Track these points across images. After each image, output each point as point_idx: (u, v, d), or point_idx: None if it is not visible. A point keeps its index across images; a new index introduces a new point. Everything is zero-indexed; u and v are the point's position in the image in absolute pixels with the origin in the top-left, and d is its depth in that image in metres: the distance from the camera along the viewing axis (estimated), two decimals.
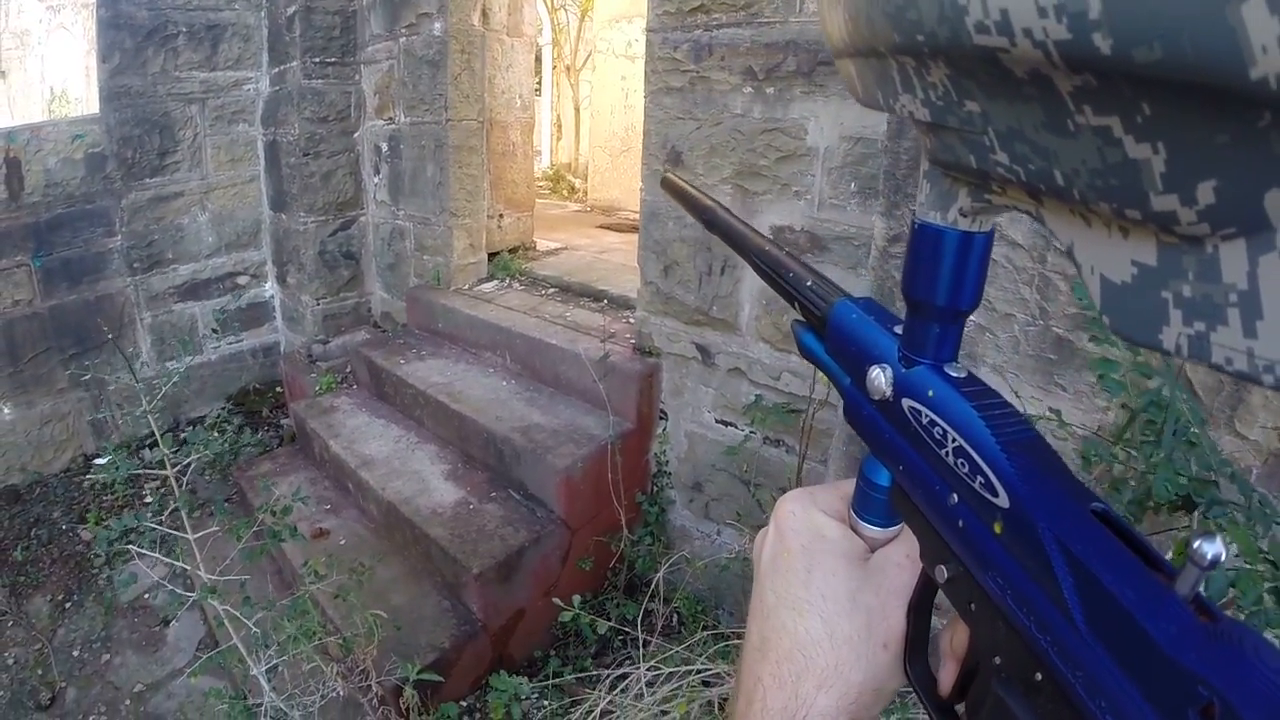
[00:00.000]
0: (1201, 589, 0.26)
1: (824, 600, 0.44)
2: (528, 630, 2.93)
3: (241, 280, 4.66)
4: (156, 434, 2.04)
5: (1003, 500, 0.33)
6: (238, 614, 1.91)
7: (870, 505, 0.46)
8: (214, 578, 1.96)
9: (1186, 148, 0.21)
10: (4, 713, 2.92)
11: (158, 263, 4.23)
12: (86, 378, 3.95)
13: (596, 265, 4.59)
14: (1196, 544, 0.25)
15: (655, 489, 3.31)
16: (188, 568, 2.08)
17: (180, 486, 2.03)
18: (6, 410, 3.86)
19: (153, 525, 1.98)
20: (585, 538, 3.03)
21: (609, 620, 3.13)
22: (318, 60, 4.04)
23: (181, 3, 3.97)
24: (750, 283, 2.68)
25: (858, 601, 0.43)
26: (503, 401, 3.26)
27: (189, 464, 2.05)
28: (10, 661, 3.16)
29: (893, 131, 1.82)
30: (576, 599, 2.46)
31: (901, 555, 0.45)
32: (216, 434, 2.38)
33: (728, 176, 2.62)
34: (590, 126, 7.80)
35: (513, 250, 4.67)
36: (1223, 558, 0.25)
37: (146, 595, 3.36)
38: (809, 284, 0.50)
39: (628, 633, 3.14)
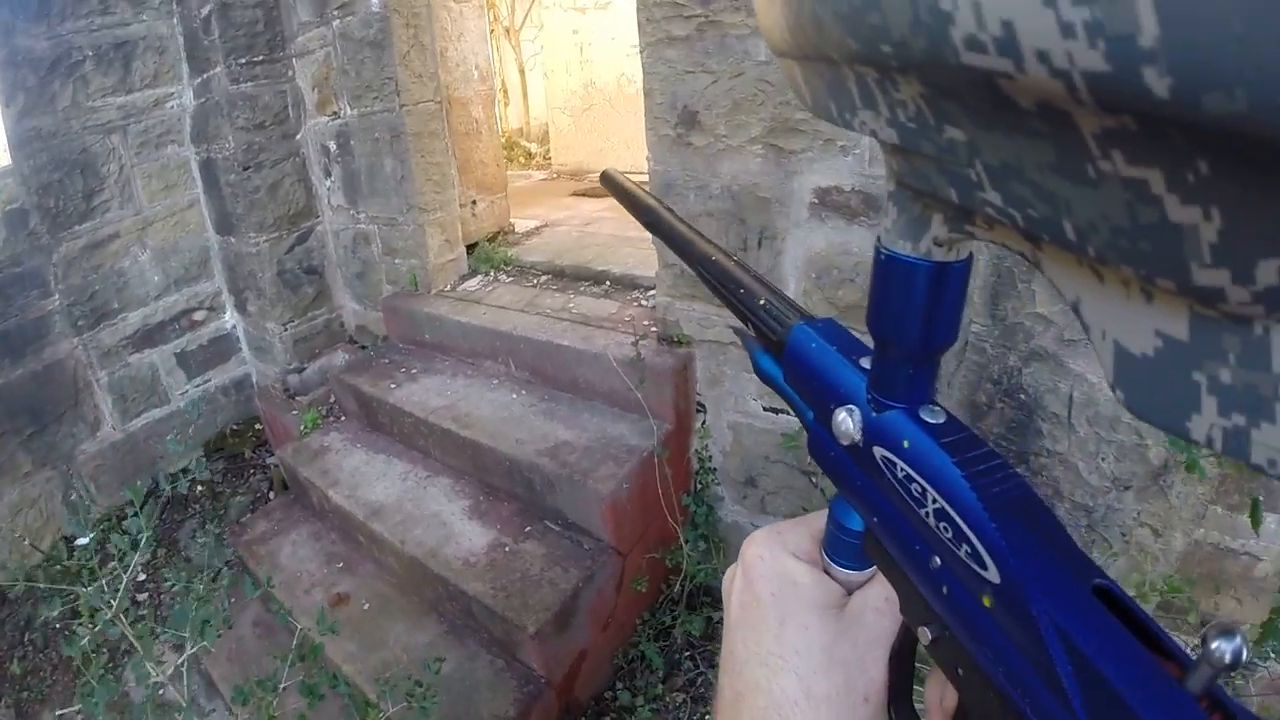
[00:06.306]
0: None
1: (798, 656, 0.40)
2: (591, 669, 2.62)
3: (198, 316, 4.20)
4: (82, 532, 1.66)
5: (992, 575, 0.29)
6: None
7: (843, 549, 0.42)
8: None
9: (1252, 219, 0.16)
10: None
11: (104, 315, 3.76)
12: (52, 462, 3.55)
13: (585, 241, 4.18)
14: (1215, 644, 0.23)
15: (699, 487, 2.98)
16: (163, 681, 1.72)
17: (118, 591, 1.68)
18: None
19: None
20: (637, 558, 2.71)
21: (673, 636, 2.84)
22: (243, 61, 3.55)
23: (83, 25, 3.43)
24: (794, 253, 2.32)
25: (834, 656, 0.40)
26: (518, 419, 2.89)
27: (128, 565, 1.70)
28: None
29: None
30: (654, 649, 2.11)
31: (880, 600, 0.41)
32: (148, 517, 2.00)
33: (757, 135, 2.23)
34: (545, 88, 7.27)
35: (491, 238, 4.25)
36: (1244, 658, 0.23)
37: (161, 692, 3.01)
38: (762, 303, 0.45)
39: (696, 646, 2.87)
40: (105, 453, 3.86)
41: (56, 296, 3.56)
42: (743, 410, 2.73)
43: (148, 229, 3.85)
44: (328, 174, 3.95)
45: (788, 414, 2.60)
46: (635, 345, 2.60)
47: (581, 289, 3.52)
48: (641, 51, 2.39)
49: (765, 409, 2.66)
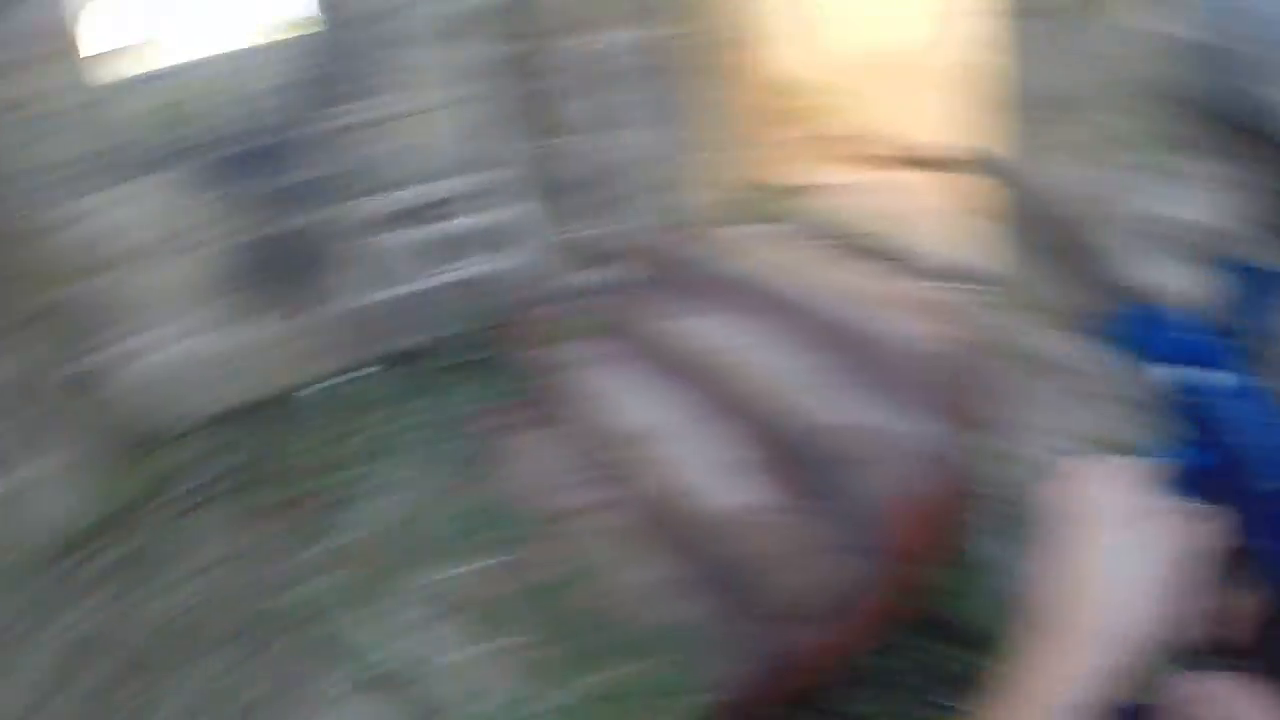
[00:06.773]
0: None
1: (1112, 567, 0.44)
2: (817, 669, 2.44)
3: (459, 206, 4.24)
4: None
5: None
6: None
7: (1167, 480, 0.45)
8: None
9: None
10: None
11: (366, 190, 3.89)
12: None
13: (888, 212, 3.85)
14: None
15: (978, 511, 2.70)
16: None
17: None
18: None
19: None
20: (903, 568, 2.48)
21: (909, 659, 2.63)
22: None
23: None
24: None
25: (1143, 567, 0.43)
26: (803, 385, 2.69)
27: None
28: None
29: None
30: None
31: (1192, 525, 0.44)
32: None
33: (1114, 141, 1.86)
34: (834, 36, 6.82)
35: (775, 189, 4.05)
36: None
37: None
38: (1105, 269, 0.33)
39: (929, 672, 2.64)
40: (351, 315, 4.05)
41: (326, 165, 3.74)
42: (1047, 444, 2.42)
43: (423, 116, 3.89)
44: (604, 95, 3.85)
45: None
46: (951, 341, 2.35)
47: (881, 264, 3.26)
48: (996, 18, 2.06)
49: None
